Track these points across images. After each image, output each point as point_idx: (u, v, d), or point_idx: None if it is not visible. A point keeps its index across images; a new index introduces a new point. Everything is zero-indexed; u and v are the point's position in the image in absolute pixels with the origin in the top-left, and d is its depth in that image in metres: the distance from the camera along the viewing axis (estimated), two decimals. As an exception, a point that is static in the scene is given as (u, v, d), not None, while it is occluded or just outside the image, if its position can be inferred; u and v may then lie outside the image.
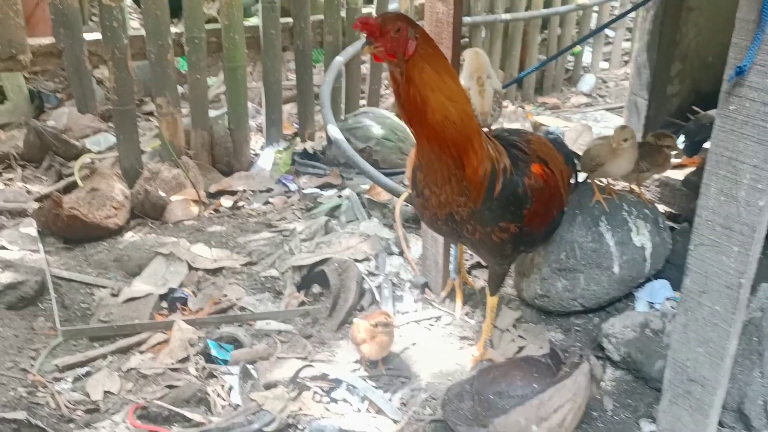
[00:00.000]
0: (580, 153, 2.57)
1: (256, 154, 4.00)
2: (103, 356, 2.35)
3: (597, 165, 2.35)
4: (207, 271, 2.87)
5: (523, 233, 2.03)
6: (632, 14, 6.28)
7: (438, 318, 2.56)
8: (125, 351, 2.39)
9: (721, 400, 1.73)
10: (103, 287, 2.74)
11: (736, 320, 1.59)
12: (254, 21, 4.08)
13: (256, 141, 4.12)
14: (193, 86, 3.60)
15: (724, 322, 1.61)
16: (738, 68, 1.39)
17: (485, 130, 2.20)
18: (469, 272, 2.79)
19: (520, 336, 2.41)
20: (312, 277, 2.74)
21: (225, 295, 2.69)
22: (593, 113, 4.87)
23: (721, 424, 1.87)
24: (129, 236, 3.11)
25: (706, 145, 3.14)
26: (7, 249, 2.91)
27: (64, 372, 2.27)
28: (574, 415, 1.87)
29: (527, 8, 5.20)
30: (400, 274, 2.79)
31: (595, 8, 5.83)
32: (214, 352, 2.31)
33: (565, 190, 2.25)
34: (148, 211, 3.27)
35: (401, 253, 2.91)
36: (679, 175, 3.10)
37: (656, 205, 2.67)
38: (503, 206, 1.96)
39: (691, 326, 1.68)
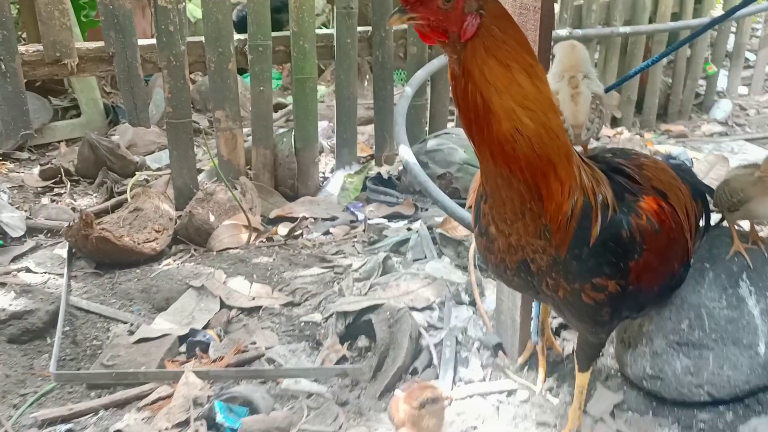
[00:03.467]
0: (714, 186, 1.92)
1: (326, 178, 3.58)
2: (95, 411, 1.94)
3: (739, 202, 1.70)
4: (241, 309, 2.44)
5: (627, 294, 1.44)
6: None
7: (511, 392, 1.97)
8: (122, 405, 1.98)
9: None
10: (124, 322, 2.37)
11: None
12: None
13: (326, 163, 3.71)
14: (256, 99, 3.24)
15: None
16: None
17: (578, 148, 1.62)
18: (556, 333, 2.18)
19: (619, 430, 1.77)
20: (359, 326, 2.23)
21: (254, 342, 2.23)
22: (729, 143, 4.09)
23: None
24: (165, 264, 2.74)
25: None
26: (32, 272, 2.62)
27: (43, 428, 1.88)
28: None
29: (651, 20, 4.50)
30: (467, 330, 2.23)
31: (734, 26, 5.04)
32: (219, 418, 1.85)
33: (691, 234, 1.63)
34: (192, 236, 2.90)
35: (473, 303, 2.35)
36: None
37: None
38: (600, 256, 1.38)
39: None
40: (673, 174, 1.63)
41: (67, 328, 2.31)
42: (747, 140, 4.14)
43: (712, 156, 3.32)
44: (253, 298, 2.49)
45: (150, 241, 2.77)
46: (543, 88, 1.29)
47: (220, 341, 2.25)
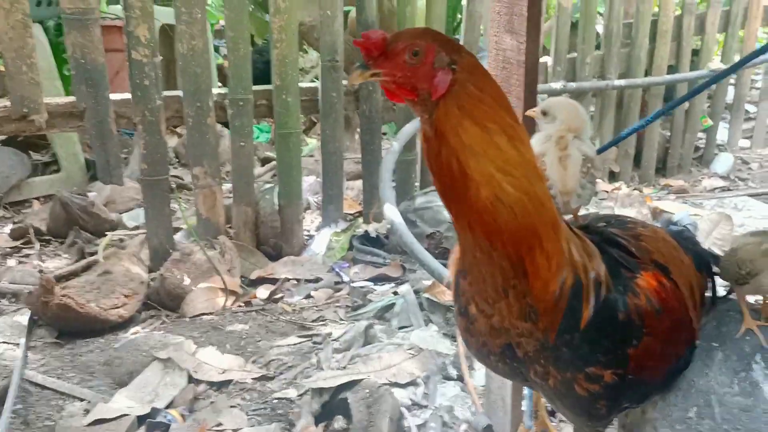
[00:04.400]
0: (719, 252, 1.75)
1: (311, 236, 3.42)
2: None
3: (748, 275, 1.53)
4: (210, 384, 2.25)
5: (626, 384, 1.25)
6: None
7: (502, 484, 1.77)
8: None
9: None
10: (80, 399, 2.18)
11: None
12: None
13: (312, 220, 3.55)
14: (236, 154, 3.10)
15: None
16: None
17: (568, 217, 1.46)
18: (552, 415, 1.98)
19: None
20: (336, 405, 2.04)
21: (219, 424, 2.03)
22: (732, 199, 3.93)
23: None
24: (132, 332, 2.56)
25: None
26: (-12, 341, 2.44)
27: None
28: None
29: (647, 73, 4.41)
30: (454, 410, 2.03)
31: (733, 77, 4.95)
32: None
33: (696, 311, 1.45)
34: (164, 301, 2.72)
35: (461, 378, 2.15)
36: None
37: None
38: (593, 341, 1.20)
39: None
40: (674, 244, 1.47)
41: (19, 406, 2.12)
42: (750, 196, 3.99)
43: (715, 214, 3.16)
44: (224, 371, 2.30)
45: (117, 307, 2.60)
46: (525, 151, 1.13)
47: (183, 422, 2.06)
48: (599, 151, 1.58)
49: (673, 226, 1.80)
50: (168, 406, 2.12)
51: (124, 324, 2.60)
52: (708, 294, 1.60)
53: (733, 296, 1.69)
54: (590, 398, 1.27)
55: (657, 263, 1.35)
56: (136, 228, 3.37)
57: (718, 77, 2.19)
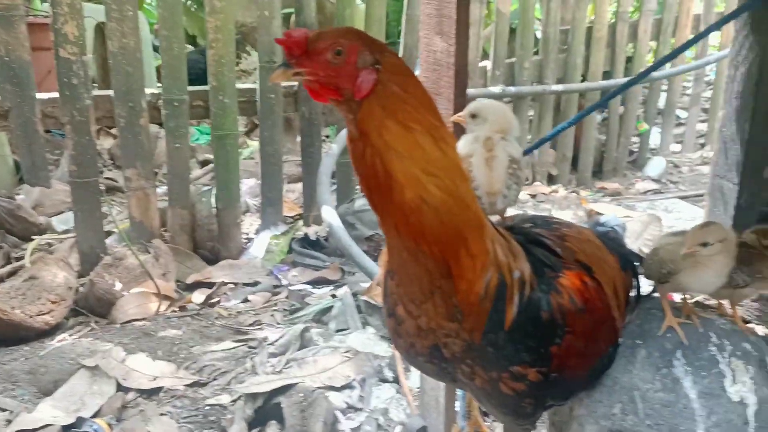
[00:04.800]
0: (647, 252, 1.79)
1: (250, 239, 3.37)
2: None
3: (669, 274, 1.57)
4: (140, 392, 2.18)
5: (550, 382, 1.27)
6: (708, 92, 5.57)
7: (435, 485, 1.77)
8: None
9: None
10: (2, 410, 2.08)
11: None
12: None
13: (251, 223, 3.50)
14: (171, 156, 3.03)
15: None
16: None
17: (495, 218, 1.47)
18: (485, 415, 1.99)
19: None
20: (269, 410, 2.01)
21: (148, 432, 1.98)
22: (663, 202, 4.06)
23: None
24: (59, 339, 2.46)
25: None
26: None
27: None
28: None
29: (583, 79, 4.51)
30: (389, 412, 2.03)
31: (664, 84, 5.12)
32: None
33: (620, 310, 1.49)
34: (93, 307, 2.64)
35: (397, 380, 2.15)
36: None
37: (756, 329, 1.85)
38: (518, 341, 1.21)
39: None
40: (599, 244, 1.49)
41: (-66, 419, 2.02)
42: (680, 198, 4.13)
43: (646, 216, 3.26)
44: (155, 378, 2.24)
45: (43, 314, 2.50)
46: (450, 152, 1.13)
47: (111, 431, 1.99)
48: (525, 152, 1.60)
49: (600, 227, 1.84)
50: (95, 416, 2.05)
51: (51, 331, 2.51)
52: (633, 293, 1.63)
53: (656, 294, 1.73)
54: (516, 397, 1.28)
55: (581, 263, 1.37)
56: (66, 232, 3.26)
57: (622, 88, 2.27)
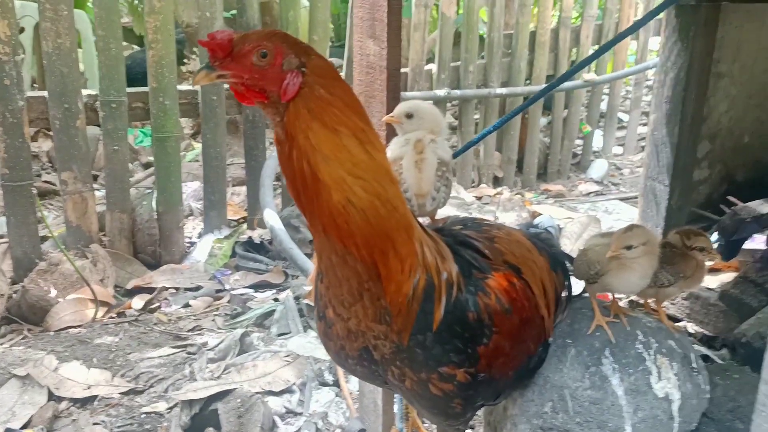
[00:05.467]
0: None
1: (193, 243, 3.32)
2: None
3: (596, 275, 1.61)
4: (73, 401, 2.13)
5: (478, 382, 1.29)
6: (647, 96, 5.73)
7: (373, 487, 1.77)
8: None
9: None
10: (-74, 423, 2.01)
11: None
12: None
13: (194, 227, 3.45)
14: (109, 159, 2.96)
15: None
16: None
17: (423, 220, 1.48)
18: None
19: None
20: (206, 417, 1.98)
21: (80, 442, 1.93)
22: (604, 203, 4.15)
23: None
24: (-11, 348, 2.38)
25: (747, 245, 2.40)
26: None
27: None
28: None
29: (527, 82, 4.59)
30: (329, 416, 2.02)
31: (606, 87, 5.24)
32: None
33: (549, 310, 1.51)
34: (26, 314, 2.56)
35: (337, 383, 2.15)
36: (713, 282, 2.34)
37: (685, 326, 1.91)
38: (445, 342, 1.23)
39: None
40: (528, 246, 1.52)
41: None
42: (621, 199, 4.23)
43: (585, 217, 3.33)
44: (89, 387, 2.18)
45: (-28, 322, 2.42)
46: (376, 154, 1.13)
47: (41, 442, 1.93)
48: (455, 156, 1.62)
49: (533, 229, 1.86)
50: (24, 426, 1.98)
51: (-20, 340, 2.42)
52: (564, 293, 1.66)
53: (586, 295, 1.77)
54: (445, 398, 1.29)
55: (509, 264, 1.39)
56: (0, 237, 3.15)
57: (545, 91, 2.35)
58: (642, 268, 1.56)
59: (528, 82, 4.63)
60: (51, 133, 4.23)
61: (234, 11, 3.66)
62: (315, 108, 1.08)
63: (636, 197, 4.30)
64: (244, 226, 3.46)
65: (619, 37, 2.52)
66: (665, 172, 2.50)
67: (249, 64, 1.06)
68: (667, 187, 2.51)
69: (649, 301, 1.78)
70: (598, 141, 5.31)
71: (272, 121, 1.12)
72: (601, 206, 4.03)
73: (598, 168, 4.98)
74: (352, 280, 1.18)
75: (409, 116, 1.50)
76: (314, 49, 1.14)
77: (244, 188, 3.93)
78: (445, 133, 1.48)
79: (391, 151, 1.46)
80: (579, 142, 5.19)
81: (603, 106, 5.31)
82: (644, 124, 5.70)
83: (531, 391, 1.64)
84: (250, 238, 3.26)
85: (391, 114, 1.51)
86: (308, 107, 1.08)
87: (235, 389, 2.00)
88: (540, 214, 3.68)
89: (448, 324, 1.22)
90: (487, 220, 1.57)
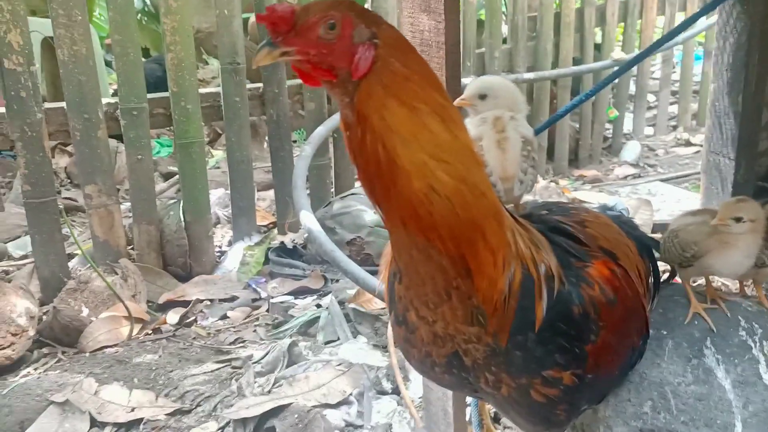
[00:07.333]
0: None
1: (223, 252, 3.19)
2: None
3: (693, 257, 1.45)
4: (117, 425, 2.00)
5: (586, 384, 1.13)
6: (675, 74, 5.55)
7: (450, 504, 1.62)
8: None
9: None
10: (-37, 458, 1.88)
11: None
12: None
13: (223, 235, 3.32)
14: (133, 170, 2.84)
15: None
16: None
17: (510, 206, 1.33)
18: (496, 421, 1.86)
19: None
20: (262, 435, 1.84)
21: (129, 470, 1.79)
22: (645, 185, 3.99)
23: None
24: (23, 375, 2.26)
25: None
26: None
27: None
28: None
29: (554, 66, 4.42)
30: (392, 427, 1.87)
31: (634, 70, 5.06)
32: None
33: (645, 298, 1.36)
34: (59, 336, 2.44)
35: (397, 391, 2.00)
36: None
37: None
38: (549, 341, 1.07)
39: None
40: (617, 229, 1.36)
41: None
42: (661, 180, 4.06)
43: (634, 200, 3.16)
44: (132, 410, 2.05)
45: (3, 348, 2.29)
46: (460, 134, 0.98)
47: (87, 473, 1.80)
48: (536, 132, 1.46)
49: (610, 211, 1.71)
50: (67, 457, 1.85)
51: (13, 366, 2.31)
52: (651, 279, 1.51)
53: (676, 280, 1.62)
54: (548, 404, 1.14)
55: (605, 249, 1.24)
56: (24, 257, 3.04)
57: (631, 64, 2.18)
58: (747, 246, 1.40)
59: (554, 65, 4.46)
60: (68, 148, 4.19)
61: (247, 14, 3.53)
62: (391, 84, 0.94)
63: (677, 177, 4.14)
64: (275, 231, 3.32)
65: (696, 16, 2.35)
66: (730, 144, 2.33)
67: (315, 37, 0.92)
68: (733, 160, 2.34)
69: (745, 284, 1.62)
70: (628, 123, 5.14)
71: (340, 103, 0.98)
72: (643, 189, 3.86)
73: (631, 150, 4.81)
74: (437, 277, 1.03)
75: (482, 97, 1.36)
76: (383, 17, 1.00)
77: (268, 193, 3.81)
78: (525, 110, 1.33)
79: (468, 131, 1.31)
80: (609, 125, 5.02)
81: (631, 88, 5.13)
82: (673, 104, 5.52)
83: (626, 390, 1.49)
84: (282, 243, 3.12)
85: (462, 96, 1.36)
86: (383, 84, 0.94)
87: (290, 404, 1.86)
88: (582, 202, 3.52)
89: (551, 321, 1.07)
90: (570, 203, 1.42)
